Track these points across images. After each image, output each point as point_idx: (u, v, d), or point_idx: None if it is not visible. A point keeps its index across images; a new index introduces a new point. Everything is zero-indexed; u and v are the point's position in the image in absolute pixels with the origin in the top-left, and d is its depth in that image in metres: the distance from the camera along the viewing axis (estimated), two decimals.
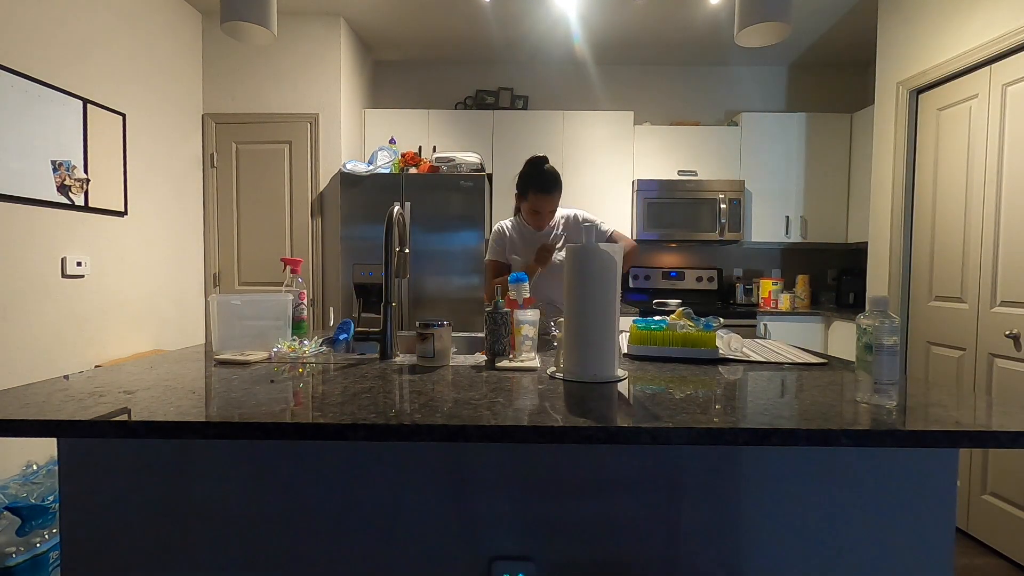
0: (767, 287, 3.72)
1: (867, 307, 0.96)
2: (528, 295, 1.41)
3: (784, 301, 3.65)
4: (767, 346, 1.63)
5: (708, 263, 4.06)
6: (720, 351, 1.40)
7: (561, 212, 2.10)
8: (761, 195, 3.70)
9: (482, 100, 3.96)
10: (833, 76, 4.03)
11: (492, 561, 1.02)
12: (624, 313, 3.40)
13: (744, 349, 1.46)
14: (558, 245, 2.04)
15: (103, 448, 1.02)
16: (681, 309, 1.52)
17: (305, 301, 1.66)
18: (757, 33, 1.60)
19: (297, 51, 3.37)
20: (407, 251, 1.49)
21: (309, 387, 1.06)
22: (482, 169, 3.38)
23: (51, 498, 1.94)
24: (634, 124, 3.70)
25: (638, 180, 3.64)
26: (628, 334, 1.50)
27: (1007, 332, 2.15)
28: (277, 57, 3.37)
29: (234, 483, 1.02)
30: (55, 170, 2.34)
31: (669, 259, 4.08)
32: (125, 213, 2.76)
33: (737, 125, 3.74)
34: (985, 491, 2.26)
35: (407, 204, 3.22)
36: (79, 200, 2.46)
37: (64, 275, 2.40)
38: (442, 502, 1.01)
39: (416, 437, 0.81)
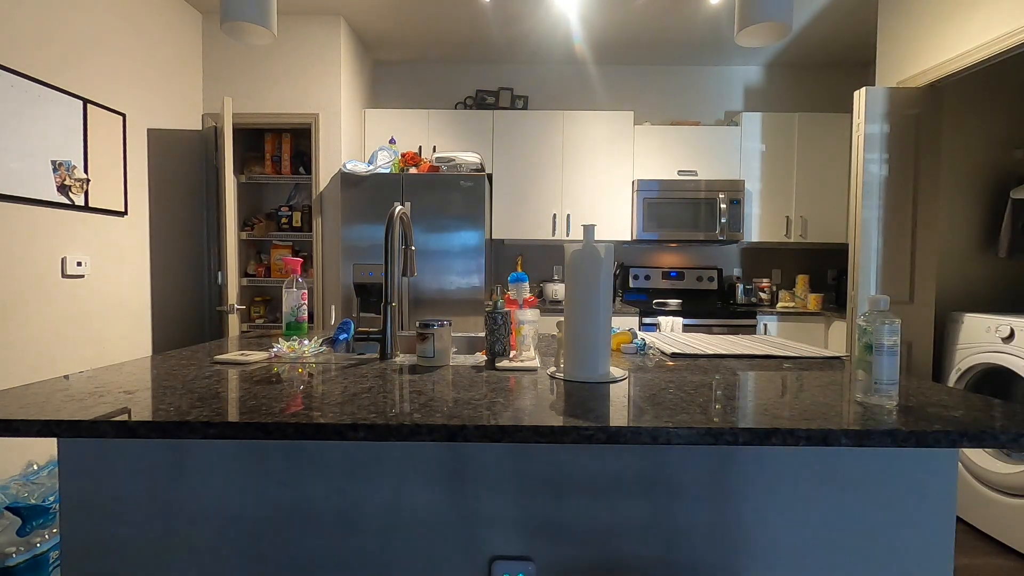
0: (767, 287, 3.72)
1: (867, 307, 0.96)
2: (528, 295, 1.40)
3: (784, 301, 3.65)
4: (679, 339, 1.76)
5: (708, 263, 4.06)
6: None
7: None
8: (761, 195, 3.70)
9: (482, 100, 3.96)
10: (833, 76, 4.03)
11: (492, 561, 1.02)
12: (624, 313, 3.40)
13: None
14: None
15: (103, 448, 1.02)
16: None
17: (306, 302, 1.66)
18: (757, 33, 1.60)
19: (297, 51, 3.37)
20: (413, 248, 1.49)
21: (309, 387, 1.06)
22: (482, 169, 3.38)
23: (51, 498, 1.94)
24: (634, 124, 3.70)
25: (638, 180, 3.63)
26: None
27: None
28: (277, 57, 3.37)
29: (234, 483, 1.02)
30: (55, 170, 2.34)
31: (669, 259, 4.08)
32: (125, 213, 2.76)
33: (737, 125, 3.74)
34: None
35: (407, 204, 3.22)
36: (79, 200, 2.46)
37: (64, 275, 2.40)
38: (442, 502, 1.01)
39: (416, 437, 0.81)
